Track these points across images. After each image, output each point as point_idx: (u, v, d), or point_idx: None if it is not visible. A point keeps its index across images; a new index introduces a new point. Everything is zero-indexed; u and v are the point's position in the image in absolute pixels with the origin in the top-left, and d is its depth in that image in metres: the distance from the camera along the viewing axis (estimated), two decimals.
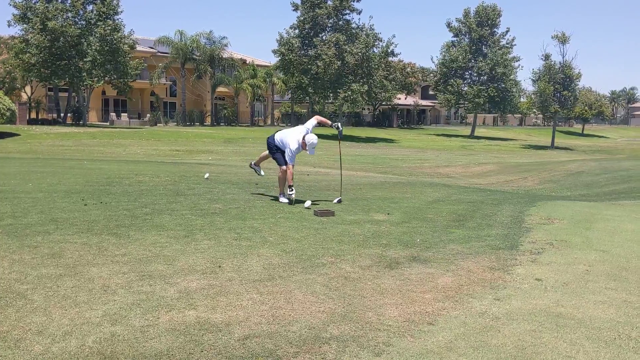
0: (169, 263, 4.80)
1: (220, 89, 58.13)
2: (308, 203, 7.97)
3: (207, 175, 11.65)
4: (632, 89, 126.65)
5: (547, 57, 48.61)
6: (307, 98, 54.88)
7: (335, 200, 8.64)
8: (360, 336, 3.39)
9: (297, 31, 50.34)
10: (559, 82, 47.95)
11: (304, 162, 22.77)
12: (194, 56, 53.73)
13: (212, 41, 54.72)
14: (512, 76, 58.71)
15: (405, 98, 73.50)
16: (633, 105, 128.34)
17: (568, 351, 3.28)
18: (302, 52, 49.74)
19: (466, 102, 61.11)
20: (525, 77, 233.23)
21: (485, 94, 57.56)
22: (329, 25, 50.34)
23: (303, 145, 8.30)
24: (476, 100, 58.20)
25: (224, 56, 55.16)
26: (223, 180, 11.35)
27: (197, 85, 57.84)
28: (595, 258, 5.49)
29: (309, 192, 9.75)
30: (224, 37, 55.55)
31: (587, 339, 3.46)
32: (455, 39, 61.60)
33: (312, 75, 48.52)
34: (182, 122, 54.21)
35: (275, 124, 64.78)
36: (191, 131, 43.65)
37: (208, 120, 58.06)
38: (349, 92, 48.17)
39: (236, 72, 56.92)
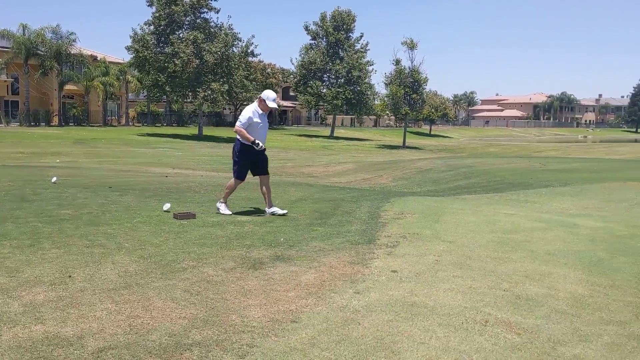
0: (11, 275, 4.38)
1: (69, 86, 54.21)
2: (167, 206, 7.67)
3: (54, 179, 10.78)
4: (472, 92, 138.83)
5: (397, 62, 51.56)
6: (165, 97, 53.04)
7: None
8: (223, 340, 3.32)
9: (152, 27, 48.39)
10: (408, 85, 51.07)
11: (164, 164, 21.98)
12: (39, 51, 49.63)
13: (59, 36, 50.89)
14: (366, 79, 61.52)
15: None
16: (473, 108, 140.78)
17: (422, 338, 3.48)
18: (158, 49, 47.94)
19: (325, 104, 62.95)
20: (378, 80, 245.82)
21: (343, 96, 59.73)
22: (187, 22, 49.06)
23: (264, 108, 7.52)
24: (334, 101, 60.18)
25: (72, 52, 51.48)
26: (73, 184, 10.57)
27: (43, 83, 53.28)
28: (444, 248, 5.91)
29: (168, 195, 9.41)
30: (72, 32, 51.74)
31: (439, 325, 3.70)
32: (313, 41, 63.15)
33: (170, 74, 46.96)
34: (26, 122, 49.89)
35: (130, 123, 61.79)
36: (37, 132, 40.21)
37: (55, 121, 53.80)
38: (209, 92, 47.36)
39: (86, 69, 53.47)
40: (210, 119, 66.67)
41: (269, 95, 7.52)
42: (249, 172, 7.76)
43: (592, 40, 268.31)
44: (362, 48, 62.82)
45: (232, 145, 7.91)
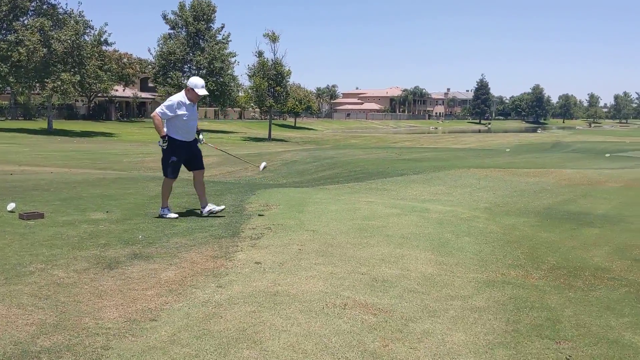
0: None
1: None
2: (11, 206, 7.01)
3: None
4: (333, 86, 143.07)
5: (260, 54, 51.59)
6: (9, 88, 48.32)
7: (261, 167, 8.37)
8: (75, 344, 3.12)
9: None
10: (272, 78, 51.35)
11: (10, 161, 20.07)
12: None
13: None
14: (229, 71, 60.77)
15: (124, 90, 70.32)
16: (335, 101, 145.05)
17: (284, 325, 3.54)
18: (0, 36, 43.54)
19: None
20: (242, 72, 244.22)
21: (205, 88, 58.44)
22: (31, 8, 45.00)
23: (193, 98, 6.95)
24: None
25: None
26: None
27: None
28: (307, 237, 6.05)
29: (13, 194, 8.61)
30: None
31: (301, 312, 3.78)
32: (172, 31, 61.05)
33: (14, 63, 42.81)
34: None
35: None
36: None
37: None
38: (59, 83, 43.84)
39: None
40: (62, 112, 61.93)
41: (196, 82, 6.93)
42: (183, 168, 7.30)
43: (441, 37, 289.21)
44: (223, 39, 61.89)
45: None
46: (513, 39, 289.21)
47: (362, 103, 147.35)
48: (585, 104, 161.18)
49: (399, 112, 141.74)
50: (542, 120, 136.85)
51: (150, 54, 61.69)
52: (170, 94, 61.04)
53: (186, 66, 60.97)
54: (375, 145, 43.06)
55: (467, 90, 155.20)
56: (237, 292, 4.16)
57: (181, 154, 7.03)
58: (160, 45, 60.07)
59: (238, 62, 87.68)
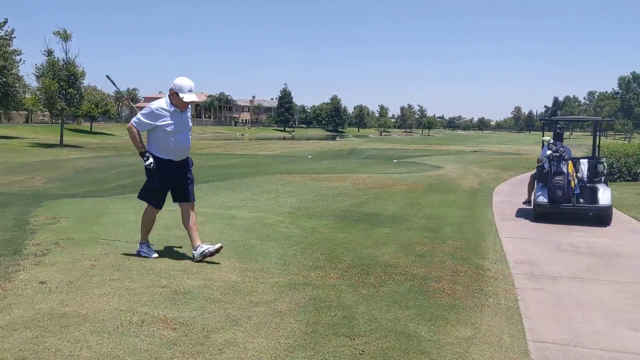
0: None
1: None
2: None
3: None
4: (134, 89, 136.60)
5: (50, 52, 47.09)
6: None
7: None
8: None
9: None
10: (64, 79, 47.22)
11: None
12: None
13: None
14: (14, 70, 54.49)
15: None
16: (137, 105, 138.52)
17: (72, 350, 3.20)
18: None
19: None
20: (29, 72, 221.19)
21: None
22: None
23: (180, 105, 5.27)
24: None
25: None
26: None
27: None
28: (101, 252, 5.60)
29: None
30: None
31: (92, 333, 3.46)
32: None
33: None
34: None
35: None
36: None
37: None
38: None
39: None
40: None
41: (182, 84, 5.15)
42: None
43: (246, 43, 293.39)
44: (6, 35, 55.34)
45: None
46: (314, 49, 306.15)
47: None
48: (377, 114, 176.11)
49: (205, 118, 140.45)
50: (340, 129, 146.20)
51: None
52: None
53: None
54: None
55: (272, 99, 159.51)
56: (18, 317, 3.68)
57: (165, 178, 5.34)
58: None
59: (24, 61, 79.03)
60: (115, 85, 6.27)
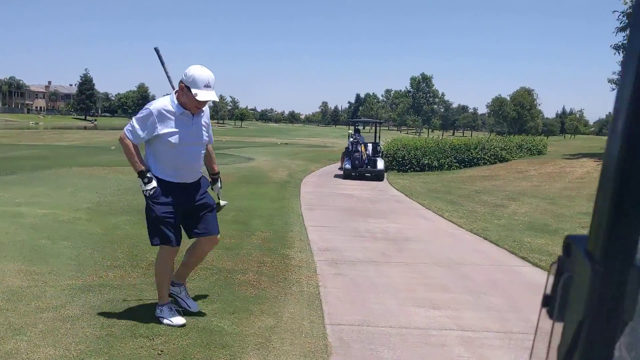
0: None
1: None
2: None
3: None
4: None
5: None
6: None
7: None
8: None
9: None
10: None
11: None
12: None
13: None
14: None
15: None
16: None
17: None
18: None
19: None
20: None
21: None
22: None
23: (192, 105, 3.76)
24: None
25: None
26: None
27: None
28: None
29: None
30: None
31: None
32: None
33: None
34: None
35: None
36: None
37: None
38: None
39: None
40: None
41: (196, 75, 3.70)
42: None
43: (43, 29, 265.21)
44: None
45: None
46: (120, 32, 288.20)
47: None
48: None
49: None
50: None
51: None
52: None
53: None
54: None
55: (71, 85, 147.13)
56: None
57: (173, 206, 3.81)
58: None
59: None
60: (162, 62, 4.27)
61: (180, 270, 4.13)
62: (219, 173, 4.23)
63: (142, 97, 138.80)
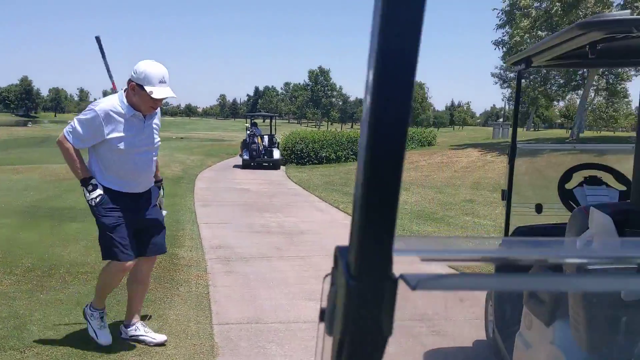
0: None
1: None
2: None
3: None
4: None
5: None
6: None
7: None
8: None
9: None
10: None
11: None
12: None
13: None
14: None
15: None
16: None
17: None
18: None
19: None
20: None
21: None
22: None
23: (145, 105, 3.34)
24: None
25: None
26: None
27: None
28: None
29: None
30: None
31: None
32: None
33: None
34: None
35: None
36: None
37: None
38: None
39: None
40: None
41: (150, 73, 3.26)
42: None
43: None
44: None
45: None
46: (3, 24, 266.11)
47: None
48: (77, 98, 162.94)
49: None
50: (33, 114, 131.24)
51: None
52: None
53: None
54: None
55: None
56: None
57: (124, 217, 3.37)
58: None
59: None
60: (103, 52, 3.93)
61: (131, 308, 3.66)
62: (161, 180, 3.84)
63: (25, 90, 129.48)
